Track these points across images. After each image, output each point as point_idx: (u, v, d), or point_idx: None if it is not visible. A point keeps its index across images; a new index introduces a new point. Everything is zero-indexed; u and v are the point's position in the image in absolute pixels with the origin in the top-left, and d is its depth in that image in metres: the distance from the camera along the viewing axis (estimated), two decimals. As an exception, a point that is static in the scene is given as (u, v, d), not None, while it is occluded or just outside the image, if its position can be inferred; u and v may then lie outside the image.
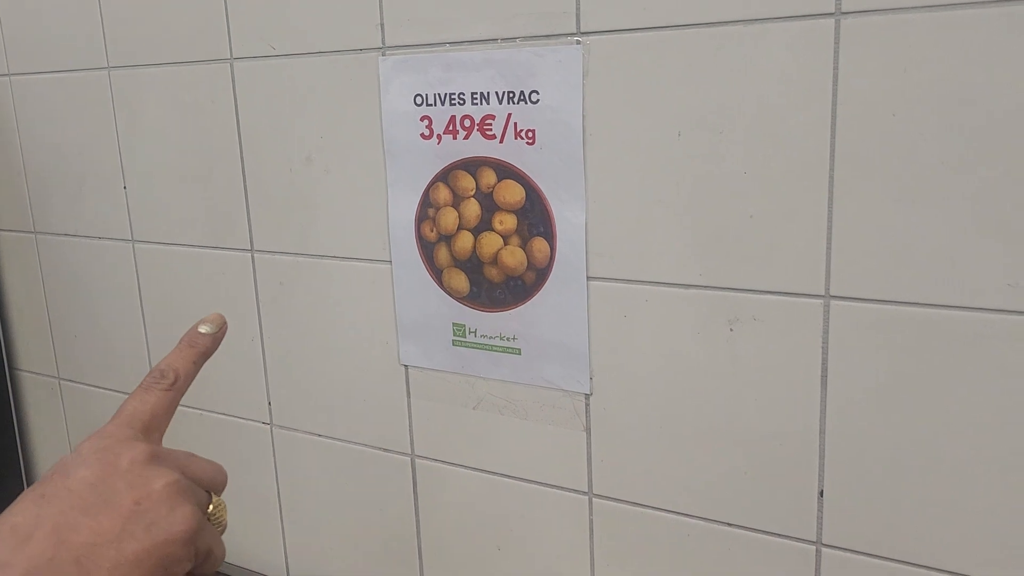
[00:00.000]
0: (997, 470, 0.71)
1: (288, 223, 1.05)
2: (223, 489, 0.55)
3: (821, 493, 0.79)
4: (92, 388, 1.33)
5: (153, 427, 0.53)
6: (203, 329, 0.59)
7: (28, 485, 1.47)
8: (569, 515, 0.93)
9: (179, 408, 1.25)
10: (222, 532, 0.53)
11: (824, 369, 0.76)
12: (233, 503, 1.19)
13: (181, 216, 1.15)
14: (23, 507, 0.45)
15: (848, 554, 0.78)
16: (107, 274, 1.25)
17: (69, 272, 1.30)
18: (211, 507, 0.52)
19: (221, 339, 0.60)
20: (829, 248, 0.74)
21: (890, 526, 0.76)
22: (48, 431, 1.43)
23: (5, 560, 0.42)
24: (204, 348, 0.58)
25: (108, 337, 1.27)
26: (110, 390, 1.30)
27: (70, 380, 1.35)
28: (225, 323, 0.60)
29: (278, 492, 1.16)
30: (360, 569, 1.11)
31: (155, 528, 0.46)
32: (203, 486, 0.52)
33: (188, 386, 0.57)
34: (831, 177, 0.72)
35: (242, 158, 1.07)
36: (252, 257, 1.10)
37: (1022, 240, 0.66)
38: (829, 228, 0.73)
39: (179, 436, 1.20)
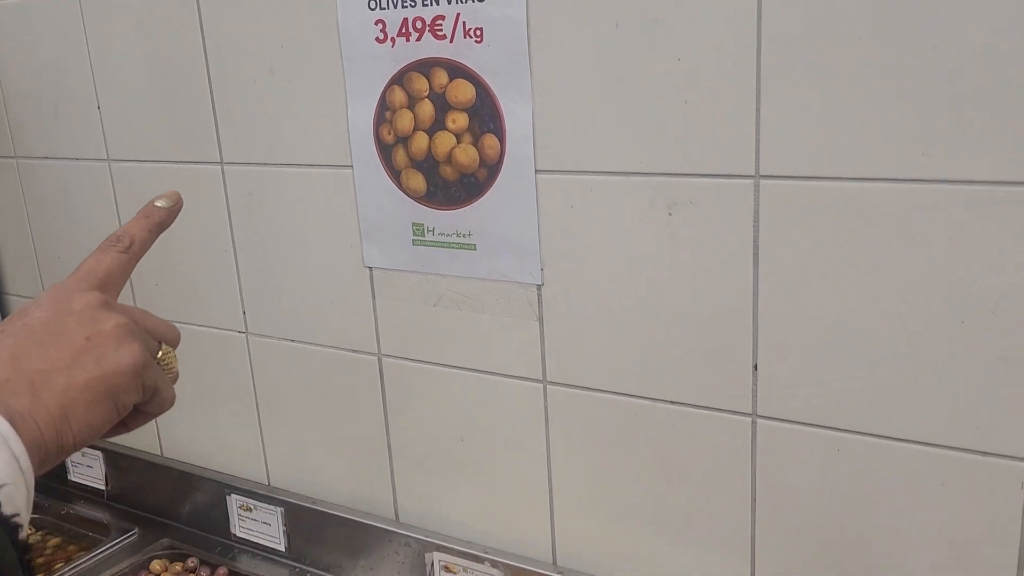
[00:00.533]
0: (921, 334, 0.75)
1: (254, 134, 1.08)
2: (176, 344, 0.59)
3: (755, 367, 0.83)
4: (77, 308, 1.37)
5: (109, 284, 0.57)
6: (159, 203, 0.62)
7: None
8: (525, 403, 0.97)
9: (159, 321, 1.29)
10: (173, 380, 0.57)
11: (756, 247, 0.80)
12: (214, 411, 1.25)
13: (154, 133, 1.18)
14: None
15: (782, 423, 0.83)
16: (86, 194, 1.29)
17: (50, 195, 1.34)
18: (160, 353, 0.56)
19: (176, 213, 0.63)
20: (758, 129, 0.77)
21: (822, 395, 0.80)
22: (38, 353, 1.48)
23: None
24: (159, 219, 0.62)
25: (90, 257, 1.31)
26: (94, 309, 1.34)
27: (56, 302, 1.40)
28: (180, 199, 0.64)
29: (256, 398, 1.21)
30: (335, 466, 1.16)
31: (104, 360, 0.50)
32: (154, 337, 0.56)
33: (143, 252, 0.60)
34: (758, 59, 0.75)
35: (208, 73, 1.10)
36: (222, 170, 1.13)
37: (935, 111, 0.69)
38: (757, 109, 0.76)
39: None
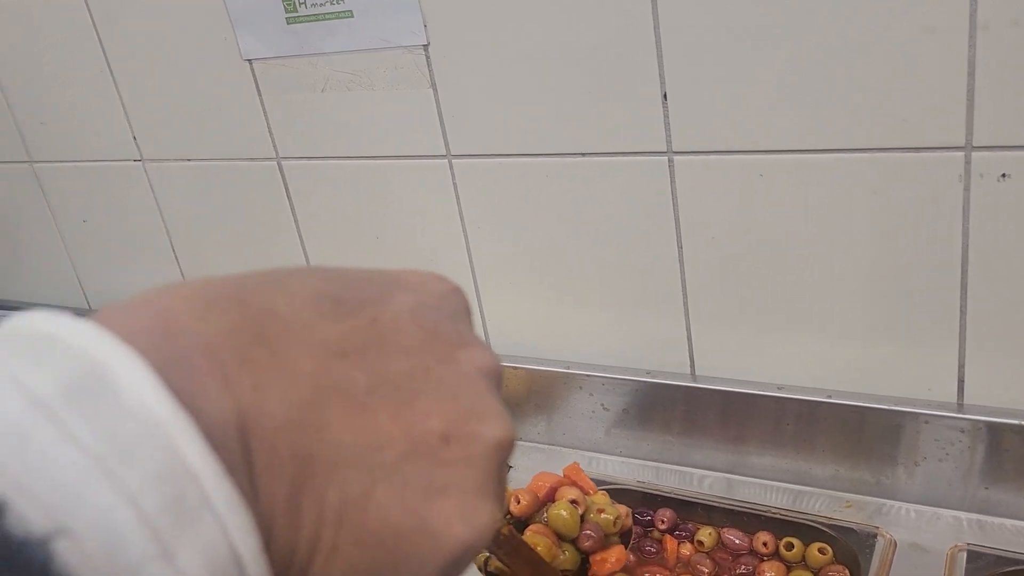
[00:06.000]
0: (815, 86, 0.66)
1: (100, -73, 0.96)
2: None
3: (665, 96, 0.74)
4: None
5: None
6: None
7: None
8: (433, 183, 0.90)
9: (45, 164, 1.20)
10: None
11: (648, -47, 0.70)
12: (125, 249, 1.17)
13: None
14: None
15: (699, 156, 0.75)
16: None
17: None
18: None
19: None
20: None
21: (737, 119, 0.72)
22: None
23: None
24: None
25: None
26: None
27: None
28: None
29: (166, 229, 1.13)
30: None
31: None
32: None
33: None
34: None
35: None
36: (76, -23, 1.01)
37: None
38: None
39: (53, 190, 1.16)
